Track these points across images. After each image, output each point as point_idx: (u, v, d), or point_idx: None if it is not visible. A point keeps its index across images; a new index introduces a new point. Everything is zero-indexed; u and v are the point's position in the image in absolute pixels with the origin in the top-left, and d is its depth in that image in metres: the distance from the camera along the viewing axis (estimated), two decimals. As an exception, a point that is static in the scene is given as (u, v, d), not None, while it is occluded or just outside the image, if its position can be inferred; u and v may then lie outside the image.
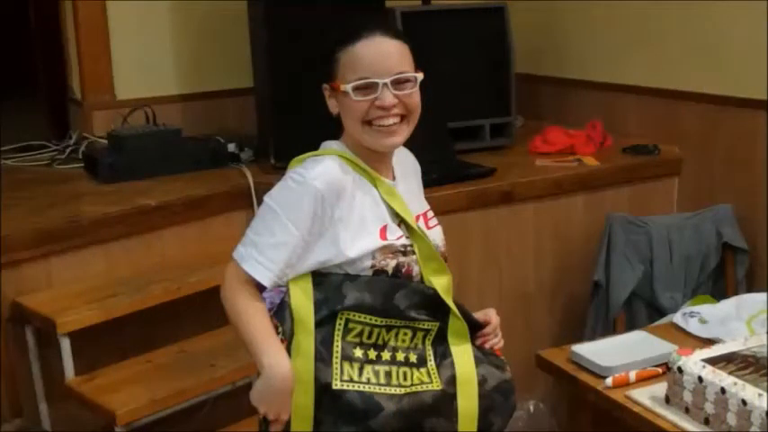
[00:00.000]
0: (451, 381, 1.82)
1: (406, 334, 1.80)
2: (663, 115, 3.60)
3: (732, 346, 2.08)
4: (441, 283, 1.82)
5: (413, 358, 1.81)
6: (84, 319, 2.63)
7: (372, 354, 1.78)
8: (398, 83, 1.77)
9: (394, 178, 1.89)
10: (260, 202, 1.83)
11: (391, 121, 1.78)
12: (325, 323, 1.77)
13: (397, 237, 1.80)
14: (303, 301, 1.77)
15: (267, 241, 1.74)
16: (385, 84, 1.75)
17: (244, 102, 3.71)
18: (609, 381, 2.15)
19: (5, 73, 5.77)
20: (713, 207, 3.29)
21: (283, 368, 1.71)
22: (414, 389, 1.78)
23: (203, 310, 2.65)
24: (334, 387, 1.74)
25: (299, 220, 1.73)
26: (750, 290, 3.13)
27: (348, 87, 1.76)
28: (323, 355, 1.75)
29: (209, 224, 3.15)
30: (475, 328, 1.89)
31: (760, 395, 1.83)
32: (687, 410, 1.98)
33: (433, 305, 1.82)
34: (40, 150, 3.71)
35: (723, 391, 1.89)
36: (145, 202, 3.01)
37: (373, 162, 1.83)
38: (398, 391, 1.77)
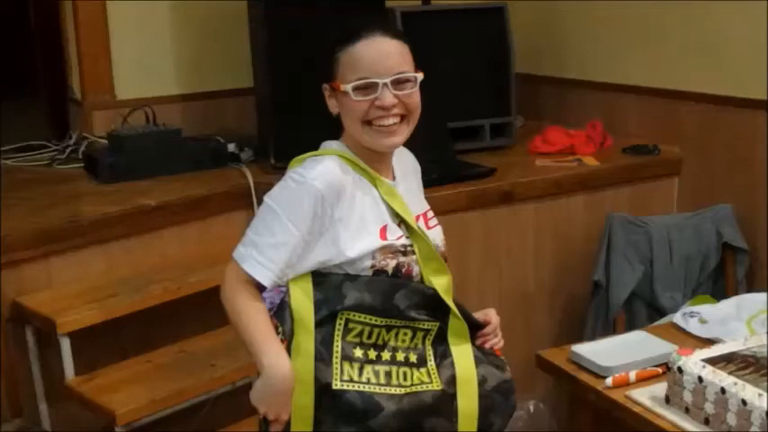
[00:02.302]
0: (451, 381, 1.82)
1: (406, 334, 1.80)
2: (663, 115, 3.60)
3: (732, 346, 2.07)
4: (441, 283, 1.82)
5: (413, 358, 1.81)
6: (84, 319, 2.63)
7: (372, 354, 1.78)
8: (398, 83, 1.77)
9: (394, 178, 1.89)
10: (260, 202, 1.83)
11: (391, 121, 1.78)
12: (325, 323, 1.77)
13: (397, 237, 1.80)
14: (303, 301, 1.77)
15: (267, 241, 1.74)
16: (385, 84, 1.75)
17: (244, 102, 3.71)
18: (609, 381, 2.15)
19: (5, 73, 5.77)
20: (713, 207, 3.29)
21: (283, 368, 1.71)
22: (414, 389, 1.78)
23: (203, 310, 2.65)
24: (334, 387, 1.74)
25: (299, 220, 1.73)
26: (750, 290, 3.13)
27: (348, 87, 1.76)
28: (323, 355, 1.75)
29: (210, 224, 3.15)
30: (475, 328, 1.89)
31: (760, 395, 1.83)
32: (687, 410, 1.97)
33: (433, 305, 1.82)
34: (40, 150, 3.71)
35: (723, 391, 1.89)
36: (145, 202, 3.01)
37: (373, 162, 1.83)
38: (398, 391, 1.77)
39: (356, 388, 1.75)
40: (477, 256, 3.23)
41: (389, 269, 1.78)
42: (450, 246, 1.95)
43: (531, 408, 3.25)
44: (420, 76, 1.80)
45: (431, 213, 1.95)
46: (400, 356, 1.80)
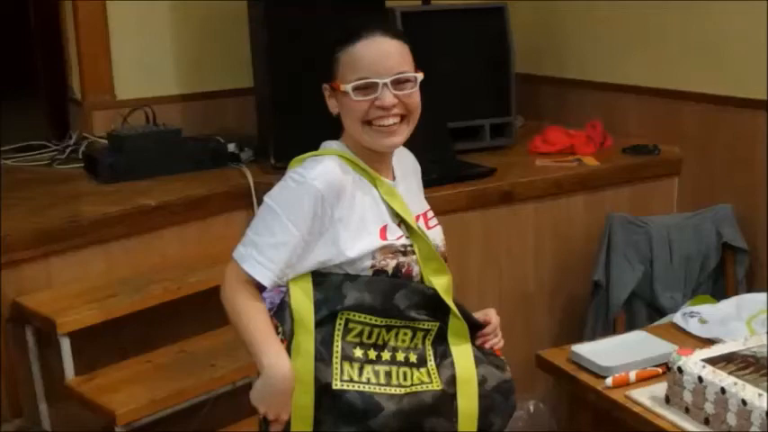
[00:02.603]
0: (451, 381, 1.82)
1: (406, 334, 1.80)
2: (663, 115, 3.60)
3: (732, 346, 2.07)
4: (441, 283, 1.82)
5: (413, 358, 1.81)
6: (84, 319, 2.63)
7: (372, 354, 1.78)
8: (398, 83, 1.77)
9: (394, 178, 1.89)
10: (260, 202, 1.83)
11: (391, 121, 1.78)
12: (325, 323, 1.77)
13: (397, 237, 1.80)
14: (303, 302, 1.77)
15: (267, 241, 1.74)
16: (385, 84, 1.75)
17: (244, 102, 3.71)
18: (609, 381, 2.15)
19: (5, 73, 5.77)
20: (713, 207, 3.29)
21: (283, 368, 1.71)
22: (414, 389, 1.78)
23: (203, 310, 2.65)
24: (334, 387, 1.74)
25: (299, 220, 1.73)
26: (750, 290, 3.13)
27: (348, 87, 1.76)
28: (323, 355, 1.75)
29: (210, 224, 3.15)
30: (475, 328, 1.89)
31: (760, 395, 1.83)
32: (687, 410, 1.97)
33: (433, 305, 1.82)
34: (40, 150, 3.71)
35: (723, 391, 1.89)
36: (145, 202, 3.01)
37: (373, 162, 1.83)
38: (398, 391, 1.77)
39: (356, 388, 1.75)
40: (477, 256, 3.23)
41: (389, 269, 1.78)
42: (450, 246, 1.95)
43: (531, 408, 3.25)
44: (420, 76, 1.80)
45: (431, 213, 1.95)
46: (400, 356, 1.80)
